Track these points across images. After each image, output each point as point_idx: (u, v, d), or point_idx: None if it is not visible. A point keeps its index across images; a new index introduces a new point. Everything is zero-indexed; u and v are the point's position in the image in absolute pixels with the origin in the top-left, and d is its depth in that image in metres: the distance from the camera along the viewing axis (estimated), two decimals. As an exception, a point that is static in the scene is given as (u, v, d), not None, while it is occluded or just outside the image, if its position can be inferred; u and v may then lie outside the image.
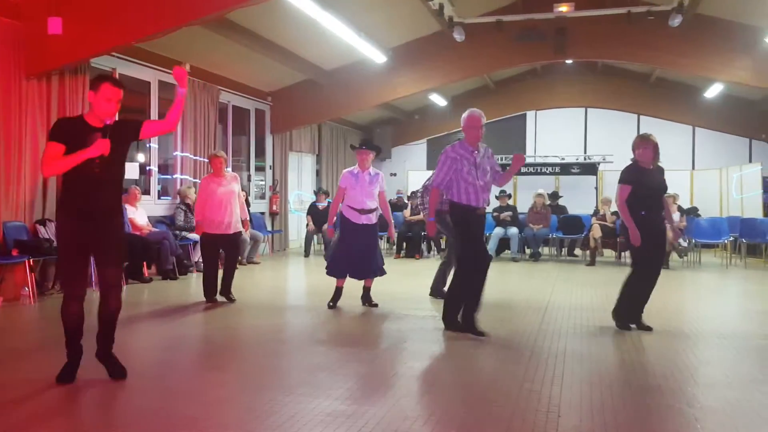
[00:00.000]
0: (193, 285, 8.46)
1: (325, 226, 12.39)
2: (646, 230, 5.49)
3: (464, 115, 5.42)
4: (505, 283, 8.91)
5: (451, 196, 5.37)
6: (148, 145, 9.59)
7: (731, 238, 11.76)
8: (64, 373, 3.85)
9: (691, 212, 13.08)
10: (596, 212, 12.19)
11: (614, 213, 11.76)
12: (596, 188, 14.84)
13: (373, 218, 6.53)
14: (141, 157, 9.59)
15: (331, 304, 6.61)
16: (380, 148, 7.05)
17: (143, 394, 3.77)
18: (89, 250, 3.88)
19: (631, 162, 5.72)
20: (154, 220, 9.29)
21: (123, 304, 4.03)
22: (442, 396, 3.77)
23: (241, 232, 7.19)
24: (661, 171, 5.73)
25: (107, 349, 4.00)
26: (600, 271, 10.45)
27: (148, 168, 9.70)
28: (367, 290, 6.71)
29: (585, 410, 3.53)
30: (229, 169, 7.25)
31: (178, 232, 9.21)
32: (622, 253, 11.81)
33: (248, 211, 8.70)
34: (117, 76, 8.81)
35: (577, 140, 16.43)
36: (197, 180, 10.30)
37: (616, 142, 15.42)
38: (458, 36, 10.83)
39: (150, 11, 6.78)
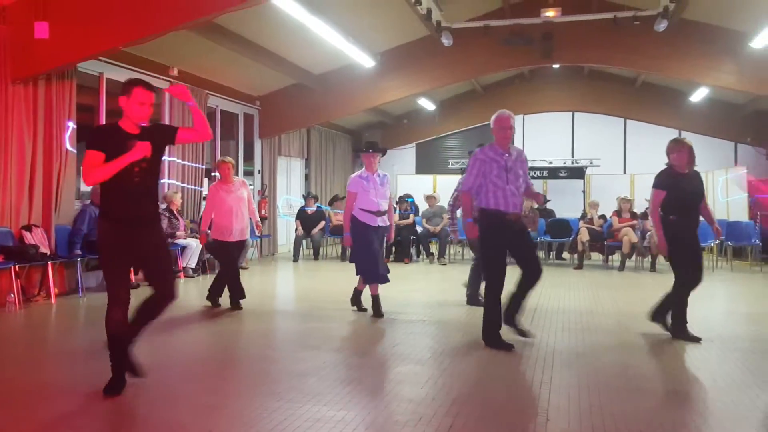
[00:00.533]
0: (181, 291, 8.43)
1: (314, 230, 12.54)
2: (677, 235, 5.39)
3: (493, 116, 5.20)
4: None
5: (479, 202, 5.14)
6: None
7: (717, 241, 11.86)
8: (111, 385, 3.80)
9: (678, 215, 13.19)
10: (584, 216, 12.26)
11: (601, 216, 11.84)
12: (584, 192, 14.92)
13: (387, 220, 6.48)
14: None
15: (368, 309, 6.55)
16: (386, 150, 6.97)
17: (132, 401, 3.75)
18: (133, 258, 3.87)
19: (665, 166, 5.58)
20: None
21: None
22: (431, 400, 3.77)
23: (246, 239, 7.17)
24: (698, 176, 5.58)
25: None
26: (588, 274, 10.51)
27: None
28: (358, 292, 6.71)
29: (573, 414, 3.55)
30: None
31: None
32: (610, 257, 11.90)
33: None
34: (104, 80, 8.78)
35: (565, 144, 16.52)
36: (185, 185, 10.28)
37: (603, 145, 15.58)
38: (446, 41, 10.87)
39: (138, 15, 6.76)
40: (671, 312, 5.55)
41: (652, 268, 11.06)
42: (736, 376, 4.36)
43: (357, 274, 6.50)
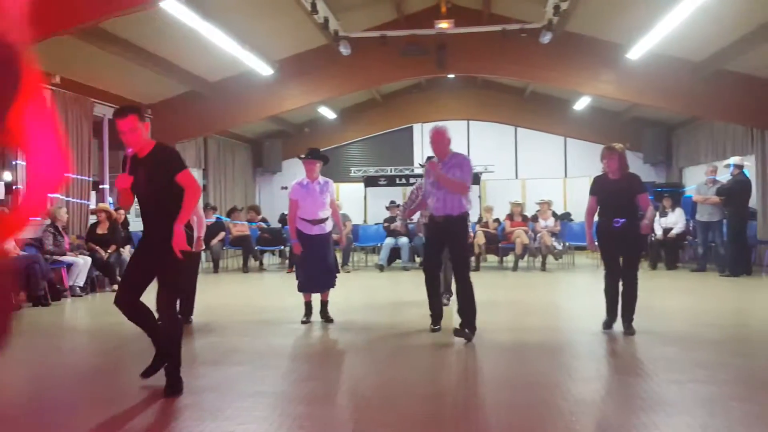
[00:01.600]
0: (67, 311, 7.97)
1: (213, 241, 12.21)
2: (600, 235, 5.84)
3: None
4: (395, 291, 9.07)
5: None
6: (14, 162, 8.95)
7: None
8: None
9: (565, 217, 13.89)
10: (480, 220, 12.67)
11: (495, 220, 12.29)
12: (479, 197, 15.43)
13: (326, 228, 6.41)
14: (8, 176, 8.95)
15: (305, 319, 6.43)
16: (327, 158, 6.89)
17: (14, 429, 3.50)
18: (146, 268, 4.10)
19: (601, 173, 5.99)
20: (22, 243, 8.64)
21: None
22: (335, 407, 3.77)
23: (200, 252, 6.85)
24: (630, 179, 5.82)
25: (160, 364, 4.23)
26: (484, 275, 10.85)
27: (15, 187, 9.04)
28: (324, 305, 6.52)
29: (469, 409, 3.66)
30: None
31: (48, 256, 8.63)
32: (504, 258, 12.36)
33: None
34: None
35: (460, 151, 16.95)
36: (70, 199, 9.74)
37: (496, 152, 16.17)
38: (344, 50, 10.94)
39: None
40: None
41: (543, 267, 11.62)
42: (618, 367, 4.65)
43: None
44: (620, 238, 5.74)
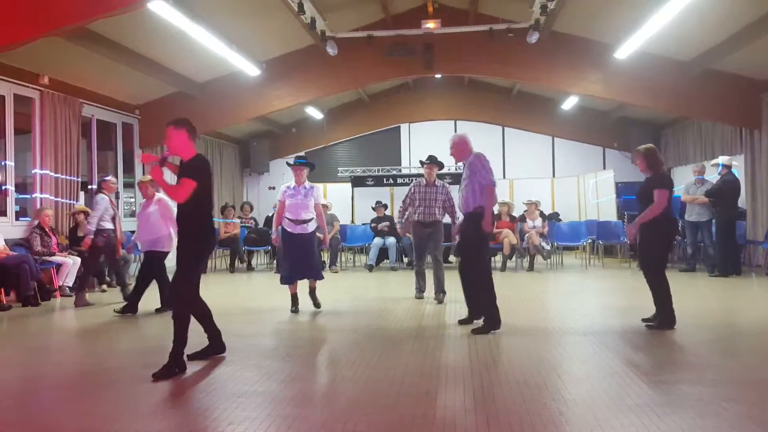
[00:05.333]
0: (57, 311, 7.94)
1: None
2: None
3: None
4: (383, 291, 9.09)
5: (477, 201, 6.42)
6: (3, 163, 8.89)
7: (589, 240, 12.69)
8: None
9: (553, 217, 13.95)
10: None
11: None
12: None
13: (308, 228, 7.08)
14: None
15: (293, 309, 7.22)
16: (314, 164, 7.54)
17: (2, 429, 3.50)
18: None
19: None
20: (12, 243, 8.61)
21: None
22: (323, 408, 3.79)
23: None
24: (654, 178, 6.00)
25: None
26: (474, 275, 10.86)
27: (3, 187, 8.99)
28: (312, 290, 7.31)
29: (458, 409, 3.69)
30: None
31: (37, 256, 8.58)
32: (491, 259, 12.39)
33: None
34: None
35: (448, 151, 17.02)
36: (59, 199, 9.68)
37: (484, 152, 16.08)
38: (331, 50, 10.95)
39: (3, 21, 6.29)
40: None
41: (531, 267, 11.67)
42: (608, 367, 4.67)
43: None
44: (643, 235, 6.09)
